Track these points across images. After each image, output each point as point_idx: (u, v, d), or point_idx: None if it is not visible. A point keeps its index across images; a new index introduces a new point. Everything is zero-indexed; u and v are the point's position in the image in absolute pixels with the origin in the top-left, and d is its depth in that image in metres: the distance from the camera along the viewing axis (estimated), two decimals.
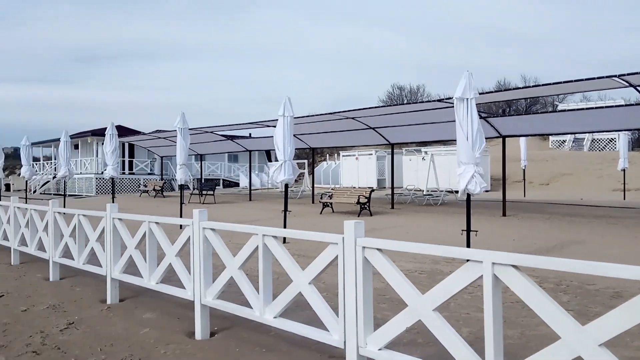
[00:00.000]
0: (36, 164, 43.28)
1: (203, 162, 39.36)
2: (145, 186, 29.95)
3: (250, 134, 28.04)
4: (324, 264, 4.21)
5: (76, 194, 36.01)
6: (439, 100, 13.41)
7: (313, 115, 17.19)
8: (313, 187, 21.86)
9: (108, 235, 6.92)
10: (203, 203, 22.98)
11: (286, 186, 11.62)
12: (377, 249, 3.81)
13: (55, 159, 43.17)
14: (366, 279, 3.87)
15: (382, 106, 22.34)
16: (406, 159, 29.72)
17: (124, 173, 36.62)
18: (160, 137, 26.31)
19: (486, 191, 29.28)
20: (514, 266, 3.04)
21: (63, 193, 20.94)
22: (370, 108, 15.52)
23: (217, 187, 31.55)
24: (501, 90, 21.50)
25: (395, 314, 3.78)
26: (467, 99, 8.29)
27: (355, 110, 15.96)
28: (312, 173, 24.69)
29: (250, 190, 24.99)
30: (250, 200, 24.35)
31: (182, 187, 14.72)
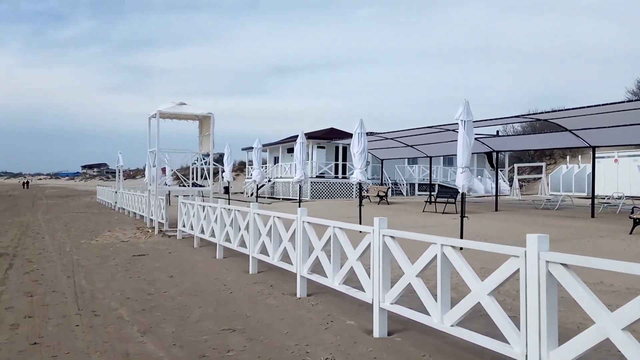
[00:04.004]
0: (251, 168, 44.79)
1: (417, 165, 36.49)
2: (367, 191, 27.85)
3: (497, 132, 24.17)
4: None
5: (290, 197, 35.78)
6: None
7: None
8: (593, 197, 17.21)
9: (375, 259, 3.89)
10: (444, 213, 19.80)
11: None
12: None
13: (267, 163, 44.13)
14: None
15: None
16: None
17: (337, 177, 35.42)
18: (387, 138, 23.85)
19: None
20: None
21: (298, 198, 19.46)
22: None
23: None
24: None
25: None
26: None
27: None
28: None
29: (496, 198, 21.11)
30: (496, 210, 20.48)
31: (464, 197, 11.57)
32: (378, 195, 25.44)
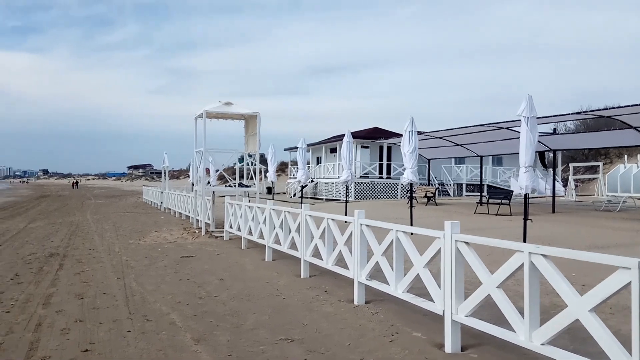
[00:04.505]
0: (294, 168, 44.61)
1: (464, 165, 35.46)
2: (414, 192, 27.11)
3: (554, 130, 23.06)
4: None
5: (333, 198, 35.38)
6: None
7: None
8: None
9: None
10: (497, 214, 18.97)
11: None
12: None
13: (310, 163, 43.83)
14: None
15: None
16: None
17: (381, 177, 34.80)
18: (435, 137, 23.12)
19: None
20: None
21: (345, 199, 19.01)
22: None
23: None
24: None
25: None
26: None
27: None
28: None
29: (554, 199, 20.09)
30: (553, 212, 19.48)
31: (527, 199, 10.86)
32: (426, 196, 24.71)
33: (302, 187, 22.74)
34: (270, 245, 10.88)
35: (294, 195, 40.99)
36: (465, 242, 5.08)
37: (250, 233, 12.37)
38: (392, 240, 6.25)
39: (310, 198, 37.53)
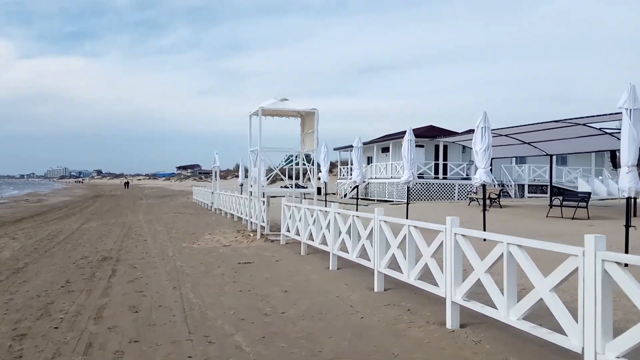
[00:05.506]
0: (343, 168, 43.61)
1: (526, 164, 33.57)
2: (475, 193, 25.69)
3: None
4: None
5: (386, 199, 34.17)
6: None
7: None
8: None
9: None
10: (573, 218, 17.40)
11: None
12: None
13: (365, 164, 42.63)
14: None
15: None
16: None
17: (437, 177, 33.34)
18: (500, 135, 21.57)
19: None
20: None
21: (406, 200, 17.83)
22: None
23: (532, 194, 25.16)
24: None
25: None
26: None
27: None
28: None
29: (635, 201, 18.29)
30: (635, 215, 17.69)
31: (630, 203, 9.47)
32: (489, 198, 23.18)
33: (355, 188, 21.66)
34: (335, 252, 9.92)
35: (345, 196, 40.06)
36: (616, 262, 3.94)
37: (310, 238, 11.46)
38: (503, 254, 5.15)
39: (361, 199, 36.41)
